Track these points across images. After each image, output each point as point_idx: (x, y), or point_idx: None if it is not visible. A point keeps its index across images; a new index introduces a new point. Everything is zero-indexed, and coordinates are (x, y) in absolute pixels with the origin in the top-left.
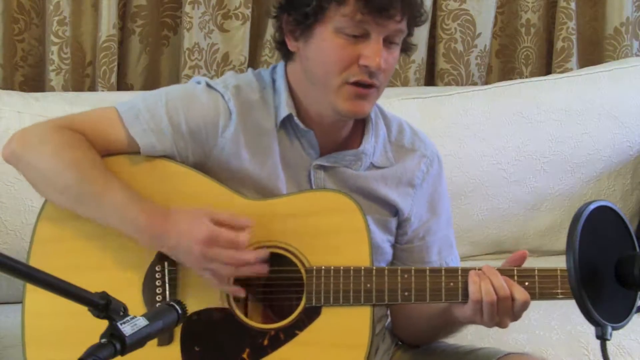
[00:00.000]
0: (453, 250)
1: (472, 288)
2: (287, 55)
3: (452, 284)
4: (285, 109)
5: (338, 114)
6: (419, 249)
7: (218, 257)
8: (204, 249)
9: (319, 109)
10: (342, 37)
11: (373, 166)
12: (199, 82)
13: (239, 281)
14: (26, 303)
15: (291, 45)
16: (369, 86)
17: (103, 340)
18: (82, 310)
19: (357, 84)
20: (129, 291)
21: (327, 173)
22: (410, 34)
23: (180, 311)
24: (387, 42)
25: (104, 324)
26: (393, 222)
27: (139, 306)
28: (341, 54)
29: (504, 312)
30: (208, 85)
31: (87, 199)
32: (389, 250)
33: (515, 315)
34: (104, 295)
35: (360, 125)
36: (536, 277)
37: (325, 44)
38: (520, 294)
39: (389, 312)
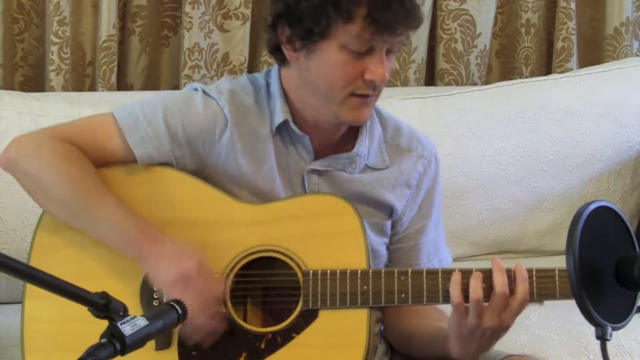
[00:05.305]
0: (439, 252)
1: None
2: (282, 60)
3: (449, 285)
4: (281, 114)
5: (341, 123)
6: (409, 249)
7: (185, 294)
8: (177, 281)
9: (316, 116)
10: (347, 54)
11: (368, 168)
12: (195, 89)
13: (239, 284)
14: (25, 309)
15: (289, 54)
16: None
17: (103, 340)
18: (82, 315)
19: (360, 95)
20: (126, 299)
21: (321, 177)
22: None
23: (180, 311)
24: (387, 52)
25: (103, 329)
26: (388, 225)
27: (137, 314)
28: (346, 70)
29: (502, 308)
30: (204, 92)
31: (81, 212)
32: (385, 254)
33: (515, 312)
34: (104, 295)
35: (354, 127)
36: (534, 277)
37: (329, 60)
38: (521, 288)
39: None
